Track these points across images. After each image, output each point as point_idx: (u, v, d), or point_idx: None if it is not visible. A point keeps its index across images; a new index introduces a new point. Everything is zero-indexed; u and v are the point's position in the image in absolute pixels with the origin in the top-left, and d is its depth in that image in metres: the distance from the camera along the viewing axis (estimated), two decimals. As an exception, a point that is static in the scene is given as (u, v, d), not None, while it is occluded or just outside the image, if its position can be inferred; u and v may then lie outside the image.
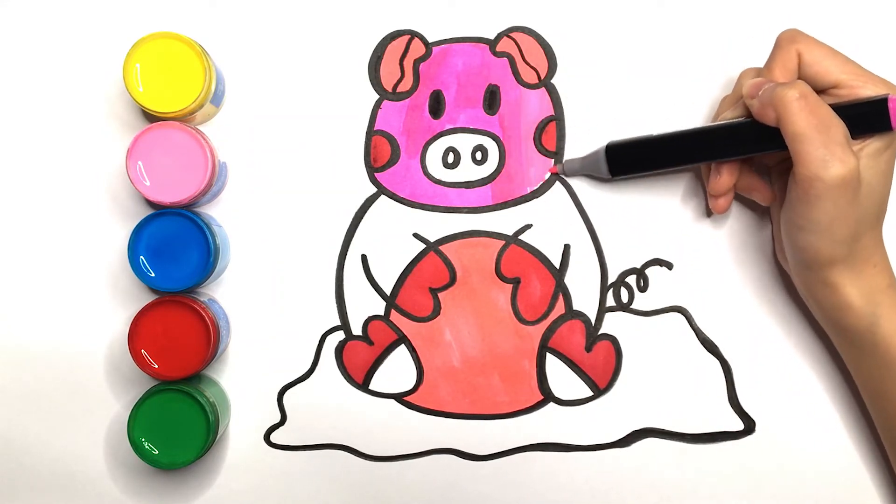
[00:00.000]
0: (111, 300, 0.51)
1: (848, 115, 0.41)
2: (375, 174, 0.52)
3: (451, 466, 0.51)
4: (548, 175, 0.51)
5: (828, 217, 0.41)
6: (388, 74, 0.52)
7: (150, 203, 0.51)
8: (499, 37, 0.52)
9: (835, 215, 0.41)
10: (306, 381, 0.51)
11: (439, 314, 0.51)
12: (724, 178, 0.46)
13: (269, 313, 0.51)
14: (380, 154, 0.52)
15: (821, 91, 0.44)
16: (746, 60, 0.50)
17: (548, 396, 0.51)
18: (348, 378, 0.51)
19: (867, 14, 0.51)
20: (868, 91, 0.42)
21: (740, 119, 0.45)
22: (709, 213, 0.51)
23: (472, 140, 0.51)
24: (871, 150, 0.42)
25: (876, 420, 0.47)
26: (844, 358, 0.47)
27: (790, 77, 0.44)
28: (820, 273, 0.44)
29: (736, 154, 0.45)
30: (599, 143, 0.51)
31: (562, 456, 0.51)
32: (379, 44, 0.52)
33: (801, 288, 0.47)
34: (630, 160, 0.48)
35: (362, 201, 0.52)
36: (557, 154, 0.51)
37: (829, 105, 0.42)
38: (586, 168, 0.50)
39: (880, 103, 0.41)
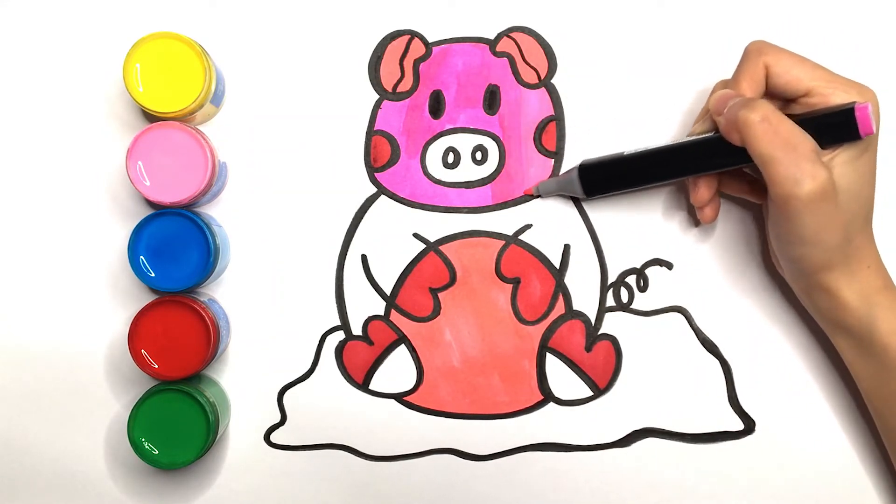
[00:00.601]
0: (111, 300, 0.51)
1: (816, 126, 0.41)
2: (375, 174, 0.52)
3: (451, 466, 0.51)
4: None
5: (812, 230, 0.41)
6: (388, 74, 0.52)
7: (150, 203, 0.51)
8: (499, 37, 0.52)
9: (818, 227, 0.41)
10: (306, 381, 0.51)
11: (439, 314, 0.51)
12: (702, 190, 0.47)
13: (269, 313, 0.51)
14: (380, 154, 0.52)
15: (792, 100, 0.44)
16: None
17: (548, 396, 0.51)
18: (348, 378, 0.51)
19: (868, 12, 0.51)
20: (838, 98, 0.42)
21: (709, 135, 0.44)
22: (696, 223, 0.51)
23: (472, 140, 0.51)
24: (846, 157, 0.42)
25: (877, 420, 0.47)
26: (845, 359, 0.47)
27: (757, 89, 0.44)
28: (815, 279, 0.44)
29: (707, 169, 0.46)
30: (599, 143, 0.51)
31: (562, 456, 0.51)
32: (379, 44, 0.52)
33: (797, 293, 0.47)
34: (604, 180, 0.48)
35: (362, 201, 0.52)
36: (557, 154, 0.51)
37: (799, 115, 0.42)
38: (561, 189, 0.50)
39: (847, 113, 0.41)
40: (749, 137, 0.41)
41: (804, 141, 0.40)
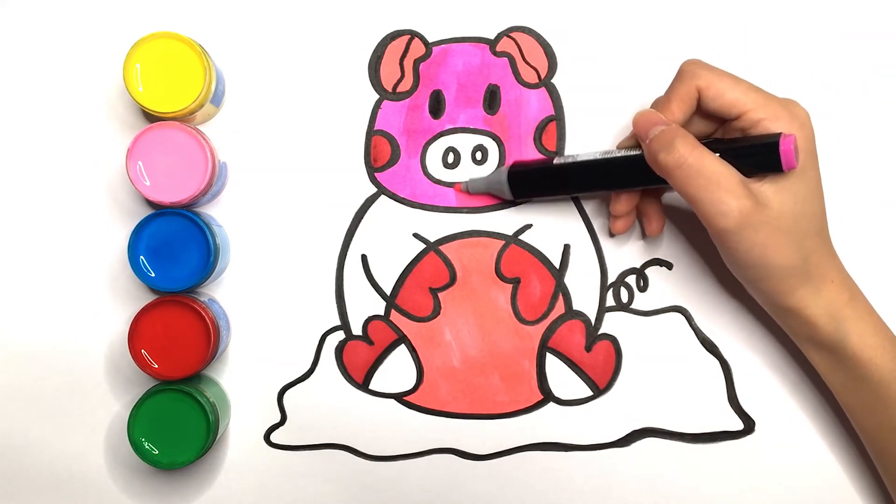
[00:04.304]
0: (111, 300, 0.51)
1: (741, 156, 0.42)
2: (375, 174, 0.52)
3: (451, 466, 0.51)
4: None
5: (756, 255, 0.42)
6: (388, 74, 0.52)
7: (150, 203, 0.51)
8: (499, 37, 0.52)
9: (762, 251, 0.42)
10: (306, 381, 0.51)
11: (439, 314, 0.51)
12: (622, 202, 0.48)
13: (269, 313, 0.51)
14: (380, 154, 0.52)
15: (725, 120, 0.44)
16: (746, 60, 0.50)
17: (548, 396, 0.51)
18: (348, 378, 0.51)
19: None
20: (770, 123, 0.42)
21: (635, 153, 0.45)
22: (610, 233, 0.51)
23: (472, 140, 0.51)
24: (782, 181, 0.42)
25: (857, 430, 0.47)
26: (819, 373, 0.47)
27: (687, 110, 0.44)
28: (780, 300, 0.44)
29: (631, 185, 0.47)
30: (600, 143, 0.51)
31: (562, 456, 0.51)
32: (379, 44, 0.52)
33: (769, 312, 0.47)
34: (531, 185, 0.49)
35: (362, 201, 0.52)
36: (558, 154, 0.51)
37: (724, 144, 0.42)
38: (490, 188, 0.50)
39: (771, 146, 0.41)
40: (670, 180, 0.42)
41: (727, 175, 0.41)
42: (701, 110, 0.44)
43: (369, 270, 0.51)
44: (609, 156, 0.46)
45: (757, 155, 0.42)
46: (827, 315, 0.44)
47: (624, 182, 0.47)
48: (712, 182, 0.41)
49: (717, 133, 0.45)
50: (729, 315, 0.51)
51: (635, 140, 0.46)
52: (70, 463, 0.51)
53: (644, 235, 0.51)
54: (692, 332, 0.51)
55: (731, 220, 0.41)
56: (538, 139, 0.51)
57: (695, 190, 0.41)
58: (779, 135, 0.41)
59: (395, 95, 0.52)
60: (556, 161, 0.48)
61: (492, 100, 0.51)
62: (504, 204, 0.51)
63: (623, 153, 0.45)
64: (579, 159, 0.47)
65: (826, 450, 0.50)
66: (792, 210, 0.42)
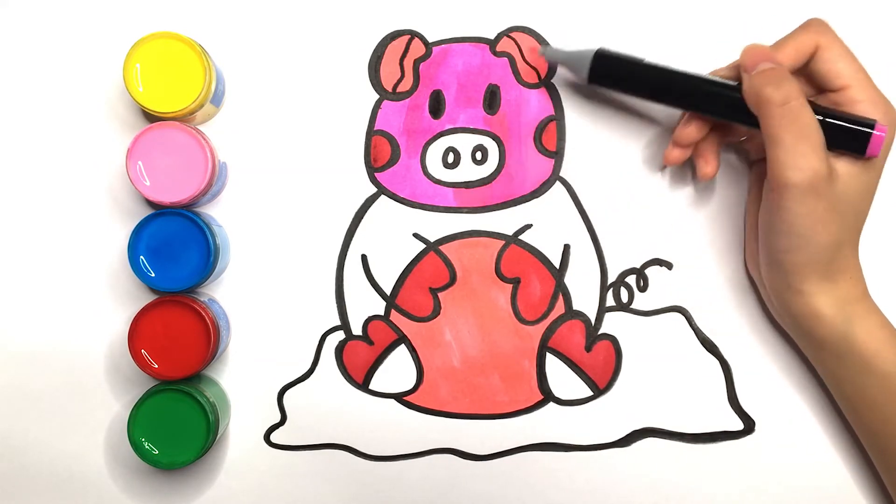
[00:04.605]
0: (111, 300, 0.51)
1: (831, 125, 0.42)
2: (375, 174, 0.52)
3: (451, 466, 0.51)
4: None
5: (805, 223, 0.42)
6: (388, 74, 0.52)
7: (150, 203, 0.51)
8: (499, 37, 0.52)
9: (812, 221, 0.42)
10: (306, 381, 0.51)
11: (439, 314, 0.51)
12: (692, 129, 0.46)
13: (269, 313, 0.51)
14: (380, 154, 0.52)
15: (819, 89, 0.44)
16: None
17: (548, 396, 0.51)
18: (348, 378, 0.51)
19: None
20: (864, 108, 0.42)
21: (730, 82, 0.45)
22: (662, 165, 0.51)
23: (472, 140, 0.51)
24: (854, 167, 0.42)
25: (857, 428, 0.47)
26: (817, 368, 0.47)
27: (796, 61, 0.44)
28: (795, 280, 0.44)
29: (713, 112, 0.46)
30: (600, 142, 0.51)
31: (562, 456, 0.51)
32: (379, 44, 0.52)
33: (772, 297, 0.47)
34: (614, 74, 0.47)
35: (362, 201, 0.52)
36: (557, 154, 0.51)
37: (823, 108, 0.42)
38: (567, 62, 0.49)
39: (866, 128, 0.41)
40: (765, 116, 0.41)
41: (816, 134, 0.41)
42: (805, 71, 0.44)
43: (369, 270, 0.51)
44: (702, 75, 0.45)
45: (848, 132, 0.42)
46: (835, 307, 0.44)
47: (707, 106, 0.45)
48: (804, 133, 0.40)
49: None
50: (729, 315, 0.51)
51: (732, 72, 0.46)
52: (70, 463, 0.51)
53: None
54: (692, 332, 0.51)
55: (803, 176, 0.40)
56: (538, 139, 0.51)
57: (784, 133, 0.41)
58: (874, 121, 0.42)
59: (395, 95, 0.52)
60: (646, 61, 0.46)
61: (492, 100, 0.51)
62: (504, 204, 0.51)
63: (717, 78, 0.45)
64: (671, 68, 0.46)
65: (826, 450, 0.50)
66: (852, 197, 0.42)
